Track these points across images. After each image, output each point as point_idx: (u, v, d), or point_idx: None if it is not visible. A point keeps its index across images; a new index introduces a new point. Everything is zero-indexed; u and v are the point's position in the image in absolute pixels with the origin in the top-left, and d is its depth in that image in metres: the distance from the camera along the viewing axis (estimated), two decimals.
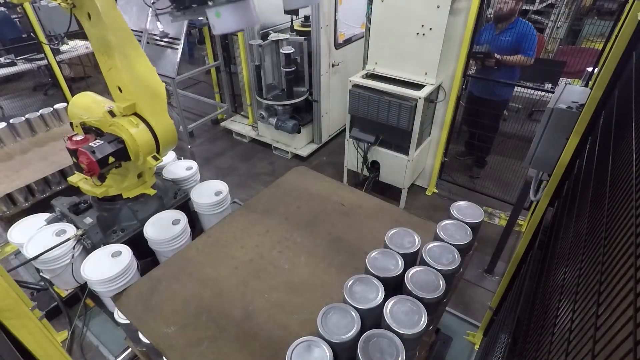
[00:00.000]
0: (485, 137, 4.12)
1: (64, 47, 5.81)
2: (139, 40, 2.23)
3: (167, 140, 2.29)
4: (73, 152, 2.14)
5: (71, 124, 2.38)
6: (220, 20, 1.13)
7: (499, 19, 3.63)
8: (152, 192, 2.54)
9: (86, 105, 2.34)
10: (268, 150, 5.01)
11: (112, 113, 2.21)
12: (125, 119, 2.14)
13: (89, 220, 2.44)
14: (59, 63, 4.53)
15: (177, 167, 2.99)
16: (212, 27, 1.20)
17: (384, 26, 3.32)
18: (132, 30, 4.46)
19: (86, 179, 2.32)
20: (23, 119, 3.54)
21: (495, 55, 3.60)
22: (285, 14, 4.46)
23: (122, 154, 2.15)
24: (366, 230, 1.91)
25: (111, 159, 2.11)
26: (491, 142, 4.18)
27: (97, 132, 2.28)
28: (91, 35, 2.10)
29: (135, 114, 2.20)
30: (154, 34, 4.45)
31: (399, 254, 1.41)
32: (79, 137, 2.19)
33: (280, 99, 4.38)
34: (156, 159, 2.25)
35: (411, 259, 1.46)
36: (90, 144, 2.09)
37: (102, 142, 2.10)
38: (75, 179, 2.36)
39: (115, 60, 2.07)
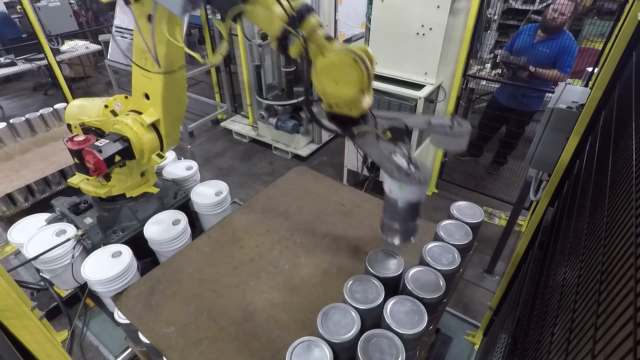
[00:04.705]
0: (509, 143, 4.08)
1: (64, 47, 5.81)
2: None
3: (171, 139, 2.29)
4: (76, 153, 2.14)
5: (68, 125, 2.37)
6: (401, 192, 1.27)
7: (547, 29, 3.39)
8: (155, 190, 2.53)
9: (86, 106, 2.34)
10: (268, 150, 5.01)
11: (114, 112, 2.21)
12: (129, 117, 2.12)
13: (89, 220, 2.44)
14: (59, 63, 4.53)
15: (177, 167, 2.99)
16: (389, 190, 1.30)
17: (384, 26, 3.32)
18: (131, 29, 4.43)
19: (87, 179, 2.31)
20: (23, 119, 3.54)
21: (530, 67, 3.40)
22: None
23: (127, 152, 2.14)
24: (366, 230, 1.91)
25: (117, 158, 2.10)
26: (514, 146, 4.10)
27: (97, 132, 2.27)
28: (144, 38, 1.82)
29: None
30: None
31: (399, 254, 1.41)
32: (81, 138, 2.19)
33: (280, 99, 4.38)
34: (160, 157, 2.25)
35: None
36: (96, 143, 2.08)
37: (107, 141, 2.10)
38: (76, 180, 2.34)
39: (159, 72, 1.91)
